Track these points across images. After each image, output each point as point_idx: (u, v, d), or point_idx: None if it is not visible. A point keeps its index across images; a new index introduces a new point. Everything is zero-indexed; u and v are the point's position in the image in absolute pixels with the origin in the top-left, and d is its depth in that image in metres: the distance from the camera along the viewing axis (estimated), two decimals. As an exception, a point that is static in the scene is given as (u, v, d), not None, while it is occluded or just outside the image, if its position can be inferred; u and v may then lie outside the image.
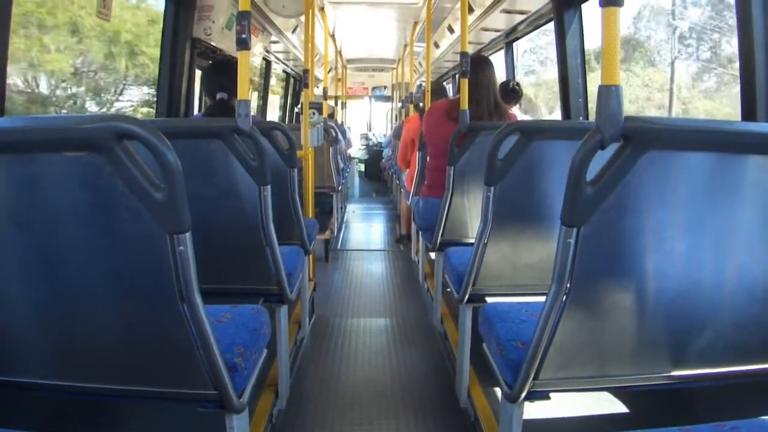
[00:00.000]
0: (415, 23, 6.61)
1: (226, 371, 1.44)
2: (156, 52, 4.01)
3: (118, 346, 1.44)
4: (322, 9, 5.78)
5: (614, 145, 1.26)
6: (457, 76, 3.60)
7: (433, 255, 3.64)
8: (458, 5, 4.39)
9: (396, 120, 10.44)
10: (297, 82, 9.44)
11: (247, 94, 2.10)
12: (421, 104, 5.66)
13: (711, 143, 1.31)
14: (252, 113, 2.11)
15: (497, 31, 5.72)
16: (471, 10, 5.11)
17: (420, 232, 4.15)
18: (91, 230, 1.30)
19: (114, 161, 1.16)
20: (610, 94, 1.20)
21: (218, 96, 2.93)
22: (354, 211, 8.90)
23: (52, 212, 1.29)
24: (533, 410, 1.79)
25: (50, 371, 1.49)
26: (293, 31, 6.46)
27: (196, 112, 4.31)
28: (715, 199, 1.36)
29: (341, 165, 6.41)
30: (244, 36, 2.12)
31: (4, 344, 1.44)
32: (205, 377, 1.43)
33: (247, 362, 1.58)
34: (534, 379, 1.49)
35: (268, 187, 2.14)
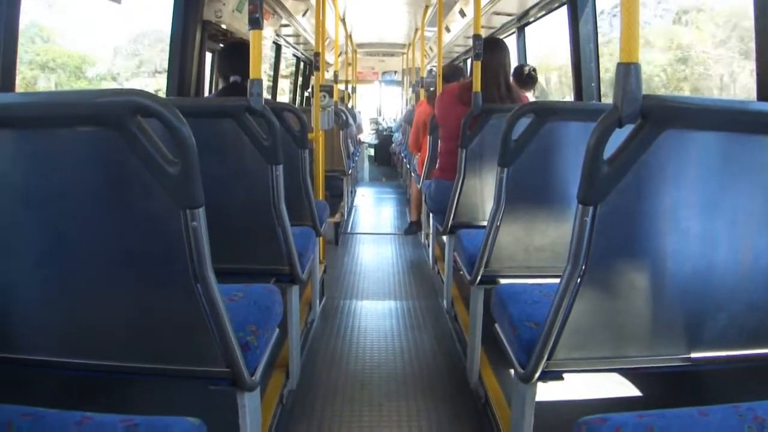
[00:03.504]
0: (426, 7, 6.57)
1: (239, 349, 1.44)
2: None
3: (131, 323, 1.44)
4: None
5: (630, 125, 1.25)
6: (468, 60, 3.58)
7: (444, 238, 3.63)
8: (471, -12, 4.35)
9: (407, 105, 10.41)
10: (307, 66, 9.41)
11: (260, 73, 2.10)
12: (432, 89, 5.62)
13: (730, 123, 1.29)
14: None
15: (509, 15, 5.67)
16: None
17: (431, 215, 4.14)
18: (105, 206, 1.30)
19: (128, 136, 1.16)
20: (629, 71, 1.19)
21: (232, 79, 2.93)
22: (363, 195, 8.90)
23: (65, 188, 1.29)
24: (545, 391, 1.79)
25: (62, 348, 1.49)
26: (303, 15, 6.43)
27: (206, 94, 4.30)
28: (732, 179, 1.34)
29: (351, 149, 6.40)
30: (256, 15, 2.11)
31: (17, 322, 1.44)
32: (217, 355, 1.43)
33: (259, 340, 1.58)
34: (548, 359, 1.48)
35: (280, 166, 2.14)
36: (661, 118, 1.23)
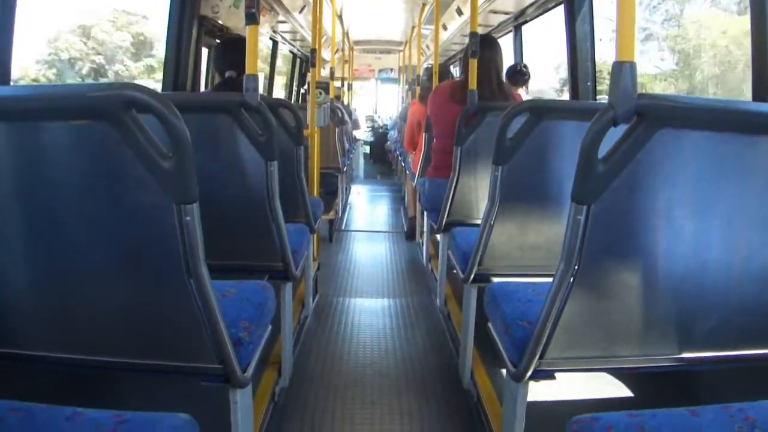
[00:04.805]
0: (423, 5, 6.56)
1: (231, 345, 1.44)
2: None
3: (124, 318, 1.43)
4: None
5: (624, 124, 1.24)
6: (462, 58, 3.57)
7: (438, 236, 3.63)
8: (468, -14, 4.33)
9: (402, 102, 10.41)
10: (303, 62, 9.39)
11: (256, 69, 2.09)
12: (425, 86, 5.61)
13: (725, 123, 1.29)
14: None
15: (506, 13, 5.67)
16: None
17: (425, 213, 4.14)
18: (98, 200, 1.29)
19: (122, 130, 1.15)
20: (624, 70, 1.19)
21: (227, 74, 2.92)
22: (358, 192, 8.90)
23: (59, 181, 1.28)
24: (537, 390, 1.79)
25: (54, 343, 1.48)
26: (300, 11, 6.42)
27: (202, 89, 4.29)
28: (726, 179, 1.34)
29: (347, 146, 6.39)
30: (253, 11, 2.10)
31: (8, 316, 1.43)
32: (209, 351, 1.42)
33: (252, 337, 1.57)
34: (540, 358, 1.48)
35: (275, 162, 2.13)
36: (656, 117, 1.23)
